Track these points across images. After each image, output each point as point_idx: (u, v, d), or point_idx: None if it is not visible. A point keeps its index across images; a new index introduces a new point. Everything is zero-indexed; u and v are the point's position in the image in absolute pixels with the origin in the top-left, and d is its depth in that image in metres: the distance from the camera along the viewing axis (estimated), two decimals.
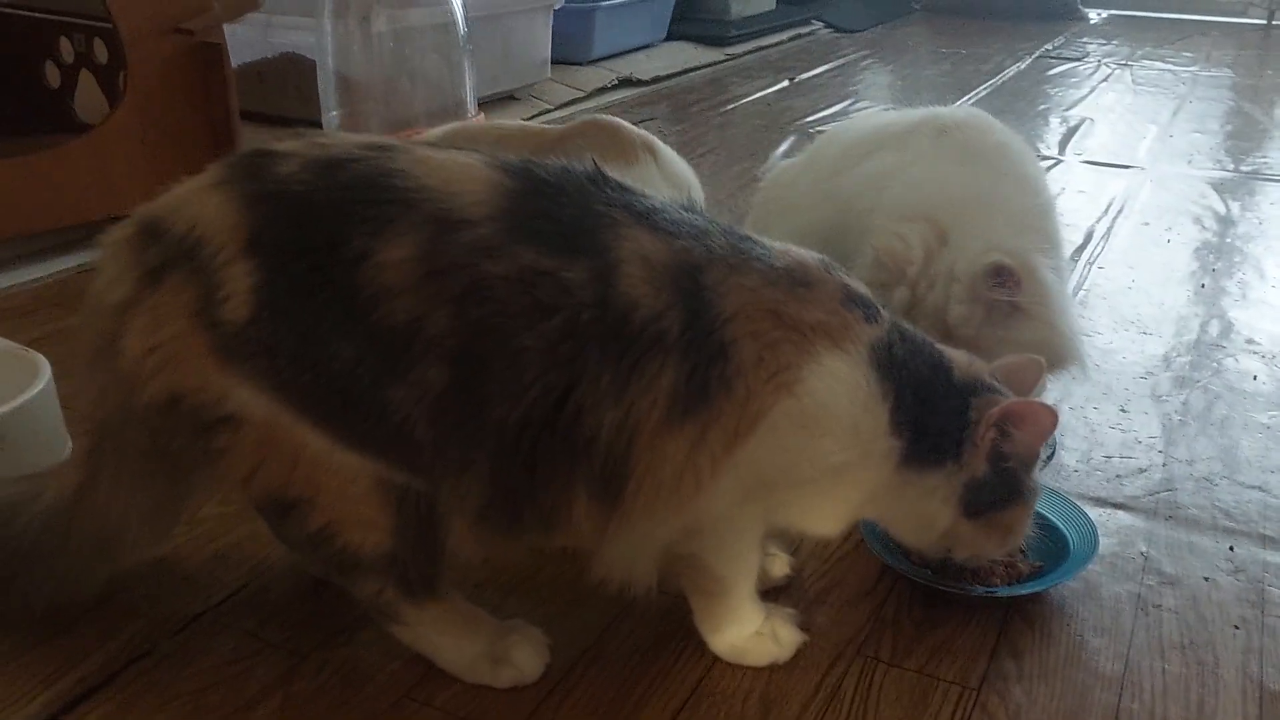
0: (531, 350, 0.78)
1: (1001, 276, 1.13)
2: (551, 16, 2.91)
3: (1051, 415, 0.89)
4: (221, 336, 0.79)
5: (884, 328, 0.87)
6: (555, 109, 2.87)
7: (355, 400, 0.78)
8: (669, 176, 1.29)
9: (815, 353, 0.82)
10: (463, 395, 0.78)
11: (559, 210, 0.81)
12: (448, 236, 0.78)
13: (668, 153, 1.32)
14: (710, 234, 0.84)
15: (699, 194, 1.35)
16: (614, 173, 1.18)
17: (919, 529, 0.91)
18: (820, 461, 0.84)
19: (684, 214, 0.86)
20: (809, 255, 0.88)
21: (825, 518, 0.91)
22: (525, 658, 0.91)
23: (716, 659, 0.93)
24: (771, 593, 0.99)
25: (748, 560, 0.91)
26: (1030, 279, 1.14)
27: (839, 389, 0.83)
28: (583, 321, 0.78)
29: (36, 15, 2.10)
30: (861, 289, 0.88)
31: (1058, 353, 1.19)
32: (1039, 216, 1.28)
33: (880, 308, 0.89)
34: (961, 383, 0.89)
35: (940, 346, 0.91)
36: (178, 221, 0.81)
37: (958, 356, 0.92)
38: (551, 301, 0.78)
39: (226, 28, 1.88)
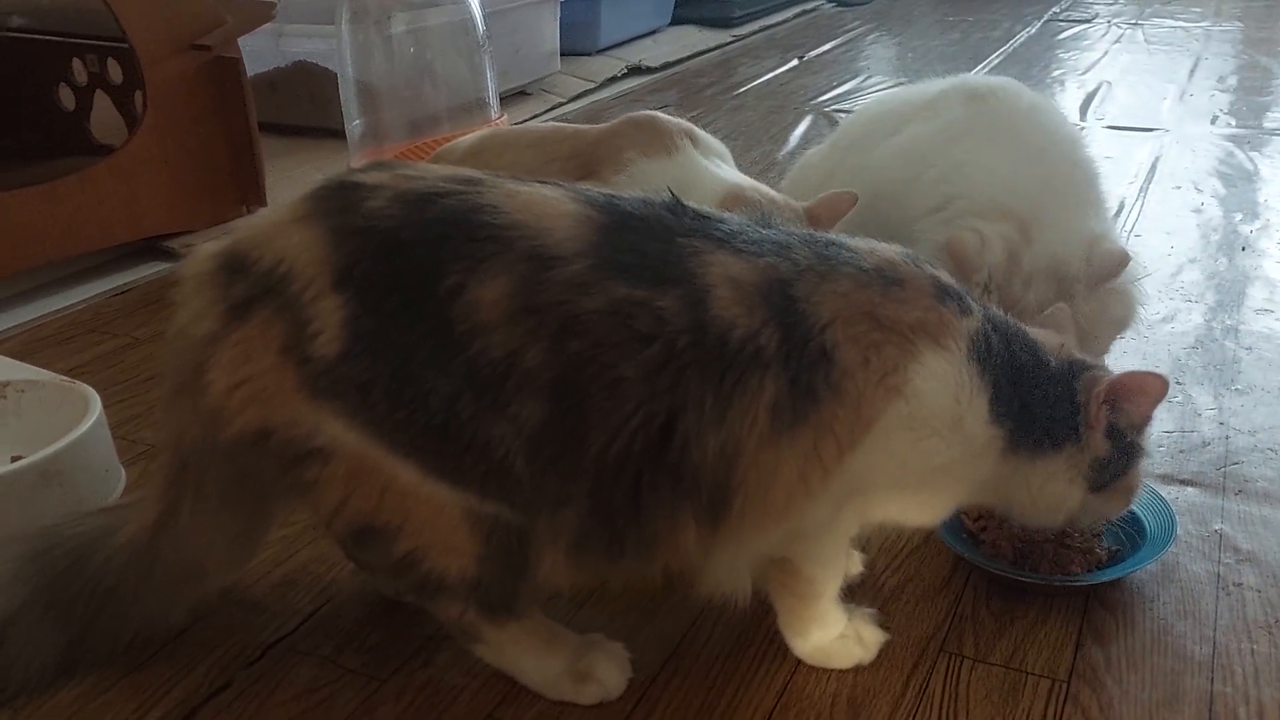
0: (631, 380, 0.77)
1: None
2: (559, 8, 2.88)
3: (1160, 382, 0.89)
4: (312, 372, 0.78)
5: (977, 319, 0.86)
6: (568, 102, 2.85)
7: (452, 436, 0.77)
8: (710, 157, 1.29)
9: (918, 352, 0.81)
10: (561, 429, 0.78)
11: (644, 243, 0.81)
12: (542, 274, 0.77)
13: (706, 137, 1.32)
14: (792, 247, 0.83)
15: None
16: (655, 161, 1.20)
17: (1045, 511, 0.91)
18: (927, 461, 0.84)
19: (763, 231, 0.85)
20: (894, 251, 0.87)
21: (927, 511, 0.91)
22: (608, 673, 0.90)
23: (798, 662, 0.93)
24: (846, 590, 0.98)
25: (838, 562, 0.91)
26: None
27: (944, 388, 0.82)
28: (680, 347, 0.77)
29: (48, 38, 2.09)
30: (950, 280, 0.87)
31: (1127, 320, 1.24)
32: (1095, 186, 1.30)
33: (970, 297, 0.88)
34: (1058, 363, 0.89)
35: (1026, 327, 0.91)
36: (264, 255, 0.80)
37: (1044, 336, 0.91)
38: (648, 330, 0.77)
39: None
